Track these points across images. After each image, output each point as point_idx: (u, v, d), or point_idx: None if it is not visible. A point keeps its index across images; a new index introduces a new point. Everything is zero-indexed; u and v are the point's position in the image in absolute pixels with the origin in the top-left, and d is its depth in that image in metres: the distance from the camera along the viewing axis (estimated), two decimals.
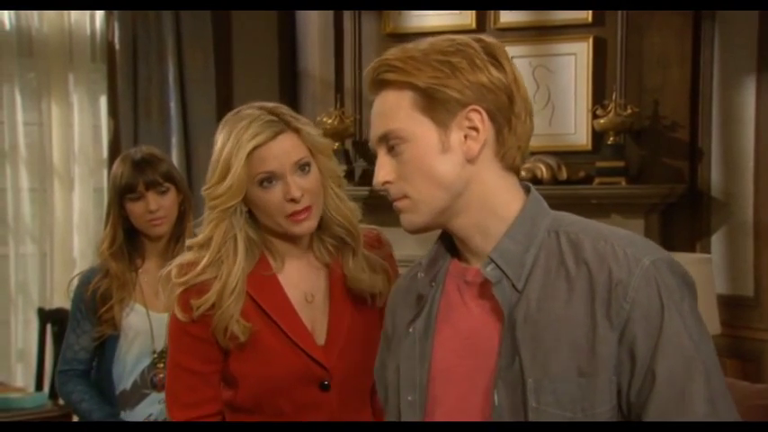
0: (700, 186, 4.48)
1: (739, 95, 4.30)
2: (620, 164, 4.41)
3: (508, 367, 1.24)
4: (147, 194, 2.46)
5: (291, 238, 1.85)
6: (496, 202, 1.30)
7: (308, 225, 1.81)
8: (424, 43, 1.30)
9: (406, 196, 1.30)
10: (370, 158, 4.95)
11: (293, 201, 1.77)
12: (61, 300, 3.98)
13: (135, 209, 2.48)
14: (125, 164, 2.50)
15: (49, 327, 4.11)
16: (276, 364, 1.81)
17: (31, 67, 4.68)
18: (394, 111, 1.29)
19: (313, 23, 5.05)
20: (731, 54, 4.35)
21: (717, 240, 4.44)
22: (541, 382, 1.22)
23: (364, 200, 4.48)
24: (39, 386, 4.11)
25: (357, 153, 5.00)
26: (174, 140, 4.83)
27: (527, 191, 1.34)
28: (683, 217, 4.44)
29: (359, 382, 1.89)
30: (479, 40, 1.30)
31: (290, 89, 5.04)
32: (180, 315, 1.81)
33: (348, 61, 4.97)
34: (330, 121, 4.73)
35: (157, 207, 2.46)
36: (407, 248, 4.62)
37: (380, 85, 1.31)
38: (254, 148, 1.75)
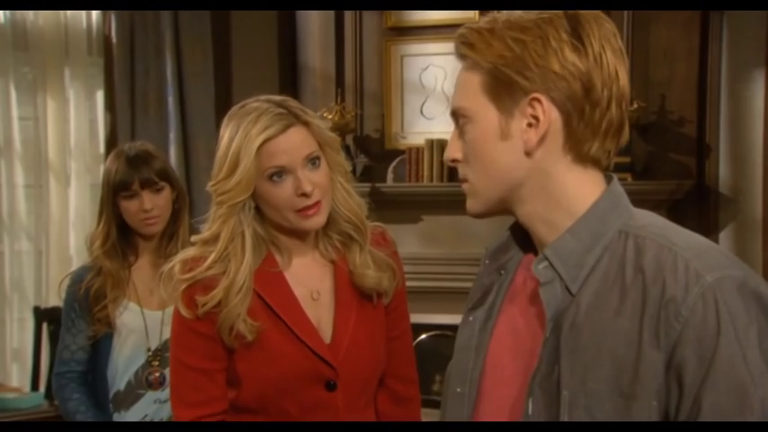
0: (707, 182, 4.45)
1: (748, 90, 4.28)
2: (626, 159, 4.37)
3: (548, 375, 1.14)
4: (142, 193, 2.42)
5: (298, 235, 1.81)
6: (563, 196, 1.17)
7: (318, 220, 1.77)
8: (516, 13, 1.18)
9: (467, 179, 1.23)
10: (372, 154, 4.91)
11: (304, 195, 1.74)
12: (57, 298, 3.91)
13: (129, 207, 2.43)
14: (119, 160, 2.44)
15: (45, 326, 4.04)
16: (283, 363, 1.77)
17: (26, 61, 4.64)
18: (464, 87, 1.20)
19: (314, 17, 5.00)
20: (739, 48, 4.32)
21: (725, 237, 4.41)
22: (576, 397, 1.10)
23: (366, 196, 4.43)
24: (34, 386, 4.05)
25: (358, 149, 4.95)
26: (173, 136, 4.76)
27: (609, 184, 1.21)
28: (690, 213, 4.39)
29: (364, 382, 1.86)
30: (571, 15, 1.15)
31: (290, 84, 4.97)
32: (184, 312, 1.77)
33: (349, 55, 4.93)
34: (331, 116, 4.68)
35: (152, 206, 2.42)
36: (409, 246, 4.61)
37: (461, 57, 1.22)
38: (264, 142, 1.71)
